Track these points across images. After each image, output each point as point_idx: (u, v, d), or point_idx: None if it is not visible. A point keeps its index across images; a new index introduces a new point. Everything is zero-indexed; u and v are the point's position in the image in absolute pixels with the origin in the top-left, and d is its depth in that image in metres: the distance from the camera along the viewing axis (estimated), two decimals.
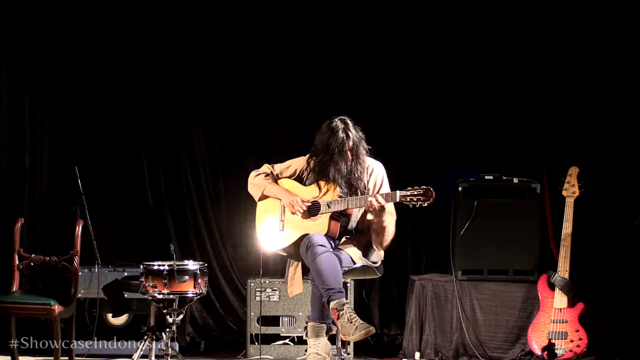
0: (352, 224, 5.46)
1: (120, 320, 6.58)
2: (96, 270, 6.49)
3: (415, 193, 5.19)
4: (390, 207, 5.38)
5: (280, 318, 6.58)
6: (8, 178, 7.14)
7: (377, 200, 5.21)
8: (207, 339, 7.14)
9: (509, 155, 7.11)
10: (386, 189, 5.49)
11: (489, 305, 6.57)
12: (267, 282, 6.58)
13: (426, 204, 5.21)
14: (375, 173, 5.51)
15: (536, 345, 6.30)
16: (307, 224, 5.39)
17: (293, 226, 5.44)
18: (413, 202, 5.20)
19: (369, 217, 5.42)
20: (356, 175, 5.41)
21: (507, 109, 7.20)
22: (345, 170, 5.39)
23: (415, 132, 7.31)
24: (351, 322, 5.05)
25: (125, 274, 6.41)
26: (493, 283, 6.61)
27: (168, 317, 5.67)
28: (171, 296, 5.63)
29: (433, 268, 7.09)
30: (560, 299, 6.32)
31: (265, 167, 5.63)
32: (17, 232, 5.87)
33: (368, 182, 5.47)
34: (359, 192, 5.40)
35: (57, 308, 5.59)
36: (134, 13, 7.25)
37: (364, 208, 5.39)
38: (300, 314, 6.53)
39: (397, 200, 5.23)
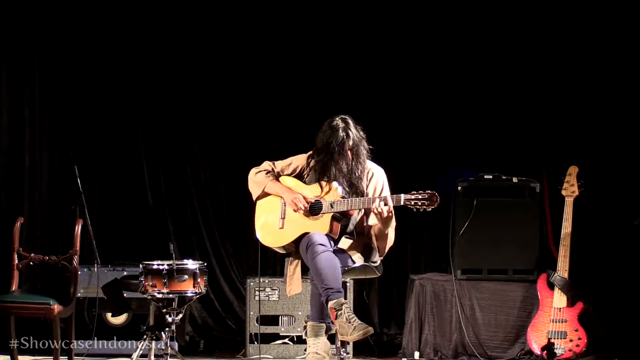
0: (351, 225, 5.44)
1: (120, 319, 6.58)
2: (96, 269, 6.49)
3: (420, 197, 5.16)
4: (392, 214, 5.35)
5: (280, 317, 6.58)
6: (8, 177, 7.14)
7: (384, 203, 5.15)
8: (206, 339, 7.14)
9: (509, 154, 7.11)
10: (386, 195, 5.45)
11: (488, 304, 6.57)
12: (267, 281, 6.58)
13: (430, 209, 5.18)
14: (375, 178, 5.46)
15: (535, 344, 6.30)
16: (308, 222, 5.37)
17: (293, 224, 5.41)
18: (417, 207, 5.17)
19: (372, 221, 5.40)
20: (357, 174, 5.38)
21: (507, 109, 7.20)
22: (346, 169, 5.37)
23: (415, 131, 7.31)
24: (349, 322, 5.03)
25: (125, 273, 6.42)
26: (492, 282, 6.61)
27: (167, 316, 5.68)
28: (170, 295, 5.64)
29: (432, 267, 7.10)
30: (559, 299, 6.32)
31: (266, 164, 5.60)
32: (17, 231, 5.87)
33: (367, 186, 5.43)
34: (359, 192, 5.38)
35: (56, 307, 5.59)
36: (133, 12, 7.26)
37: (363, 210, 5.39)
38: (300, 313, 6.53)
39: (402, 203, 5.19)
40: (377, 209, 5.16)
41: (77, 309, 6.01)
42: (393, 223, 5.35)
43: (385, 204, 5.16)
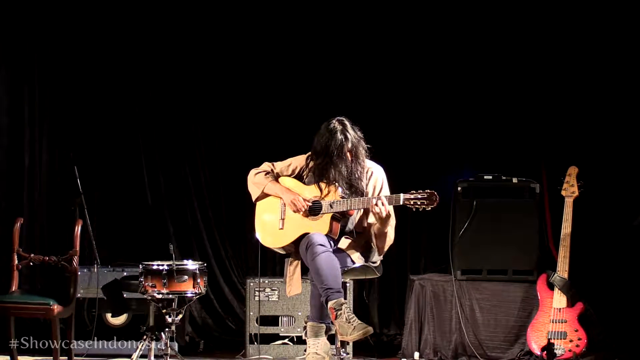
0: (351, 225, 5.45)
1: (120, 320, 6.59)
2: (95, 270, 6.49)
3: (420, 197, 5.16)
4: (391, 213, 5.35)
5: (280, 318, 6.58)
6: (7, 178, 7.14)
7: (382, 203, 5.17)
8: (206, 339, 7.14)
9: (508, 155, 7.11)
10: (386, 193, 5.42)
11: (488, 305, 6.57)
12: (266, 281, 6.58)
13: (429, 208, 5.18)
14: (374, 177, 5.46)
15: (535, 345, 6.30)
16: (308, 223, 5.37)
17: (293, 225, 5.42)
18: (417, 206, 5.17)
19: (371, 220, 5.40)
20: (356, 175, 5.38)
21: (507, 109, 7.20)
22: (345, 172, 5.36)
23: (414, 132, 7.31)
24: (349, 322, 5.03)
25: (125, 273, 6.42)
26: (492, 283, 6.61)
27: (167, 316, 5.68)
28: (170, 296, 5.64)
29: (432, 268, 7.09)
30: (559, 299, 6.32)
31: (266, 165, 5.61)
32: (17, 232, 5.87)
33: (367, 185, 5.43)
34: (359, 192, 5.38)
35: (56, 308, 5.59)
36: (133, 13, 7.26)
37: (362, 210, 5.39)
38: (300, 313, 6.53)
39: (401, 203, 5.19)
40: (375, 209, 5.17)
41: (76, 309, 6.00)
42: (393, 222, 5.36)
43: (383, 204, 5.16)
